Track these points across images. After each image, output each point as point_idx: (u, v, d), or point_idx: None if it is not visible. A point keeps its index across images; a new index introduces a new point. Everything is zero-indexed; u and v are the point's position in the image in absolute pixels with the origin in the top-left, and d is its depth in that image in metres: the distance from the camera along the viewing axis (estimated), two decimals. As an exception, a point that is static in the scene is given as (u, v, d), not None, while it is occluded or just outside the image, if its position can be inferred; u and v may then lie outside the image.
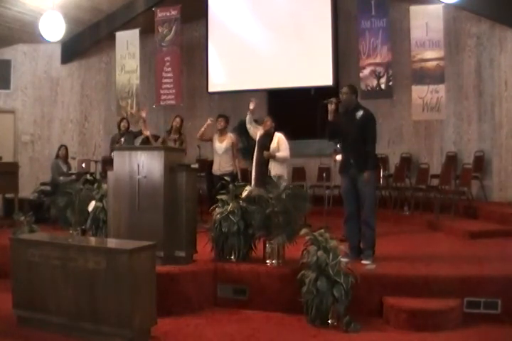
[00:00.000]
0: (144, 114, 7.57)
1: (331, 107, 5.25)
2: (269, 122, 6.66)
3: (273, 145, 6.51)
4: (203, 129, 7.47)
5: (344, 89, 5.27)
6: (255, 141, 6.85)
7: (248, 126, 6.90)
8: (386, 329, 4.20)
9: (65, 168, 8.63)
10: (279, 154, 6.46)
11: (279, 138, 6.55)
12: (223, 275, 4.90)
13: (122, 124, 8.11)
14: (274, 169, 6.34)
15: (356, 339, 4.00)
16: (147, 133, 7.59)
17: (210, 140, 7.58)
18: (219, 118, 7.58)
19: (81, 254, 3.99)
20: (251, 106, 6.79)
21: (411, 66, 8.79)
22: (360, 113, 5.16)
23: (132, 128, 8.34)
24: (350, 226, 5.19)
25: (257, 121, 7.18)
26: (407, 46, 8.92)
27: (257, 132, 6.78)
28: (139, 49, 10.04)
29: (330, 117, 5.26)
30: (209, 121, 7.43)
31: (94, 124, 10.81)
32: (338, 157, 6.47)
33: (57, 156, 8.69)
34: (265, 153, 6.47)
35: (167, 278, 4.55)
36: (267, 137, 6.59)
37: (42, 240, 4.41)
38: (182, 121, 7.80)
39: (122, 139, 7.96)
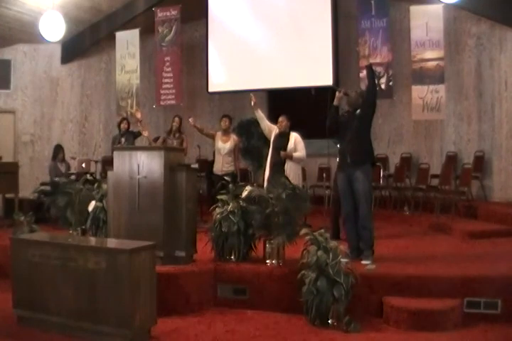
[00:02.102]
0: (138, 115, 7.61)
1: (338, 95, 5.30)
2: (284, 122, 6.59)
3: (290, 145, 6.46)
4: (198, 129, 7.53)
5: (355, 90, 5.41)
6: (255, 142, 6.83)
7: (263, 125, 6.80)
8: (386, 329, 4.20)
9: (63, 168, 8.64)
10: (296, 154, 6.43)
11: (295, 138, 6.51)
12: (223, 275, 4.90)
13: (122, 125, 8.17)
14: (291, 169, 6.33)
15: (356, 339, 4.00)
16: (146, 134, 7.62)
17: (213, 138, 7.58)
18: (223, 118, 7.59)
19: (81, 254, 4.00)
20: (252, 102, 6.68)
21: (411, 66, 8.78)
22: (358, 110, 5.23)
23: (133, 129, 8.36)
24: (349, 227, 5.19)
25: None
26: (407, 46, 8.92)
27: (272, 131, 6.70)
28: (139, 49, 10.04)
29: (335, 102, 5.30)
30: (191, 122, 7.43)
31: (94, 124, 10.81)
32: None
33: (55, 157, 8.69)
34: (282, 153, 6.42)
35: (167, 278, 4.55)
36: (283, 137, 6.54)
37: (42, 240, 4.41)
38: (181, 120, 7.81)
39: (123, 139, 7.99)
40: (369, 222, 5.10)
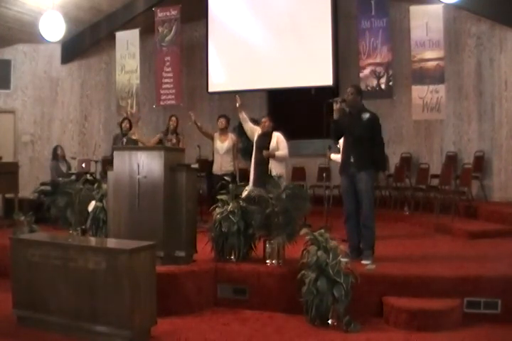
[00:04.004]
0: (135, 137, 7.65)
1: (336, 106, 5.22)
2: (267, 123, 6.63)
3: (272, 144, 6.50)
4: (197, 126, 7.55)
5: (350, 90, 5.23)
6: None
7: (246, 127, 6.82)
8: (386, 329, 4.20)
9: (64, 168, 8.64)
10: (278, 153, 6.46)
11: (277, 137, 6.54)
12: (223, 275, 4.90)
13: (124, 124, 8.10)
14: (275, 168, 6.34)
15: (356, 339, 4.00)
16: (135, 136, 7.70)
17: (212, 138, 7.59)
18: (220, 118, 7.60)
19: (81, 254, 4.00)
20: (238, 103, 6.67)
21: (411, 66, 8.78)
22: (366, 115, 5.13)
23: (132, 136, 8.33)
24: (350, 226, 5.19)
25: (257, 121, 7.16)
26: (407, 46, 8.92)
27: (254, 132, 6.74)
28: (139, 49, 10.04)
29: (335, 116, 5.24)
30: (193, 117, 7.43)
31: (94, 124, 10.81)
32: (333, 156, 6.47)
33: (55, 157, 8.69)
34: (265, 152, 6.45)
35: (167, 278, 4.55)
36: (266, 137, 6.58)
37: (42, 240, 4.41)
38: (178, 120, 7.81)
39: (124, 139, 7.97)
40: (371, 221, 5.10)
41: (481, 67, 8.82)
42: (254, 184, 6.22)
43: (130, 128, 8.12)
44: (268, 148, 6.47)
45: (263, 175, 5.93)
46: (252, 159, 6.71)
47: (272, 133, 6.58)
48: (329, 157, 6.60)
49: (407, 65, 8.92)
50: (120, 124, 8.22)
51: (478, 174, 8.39)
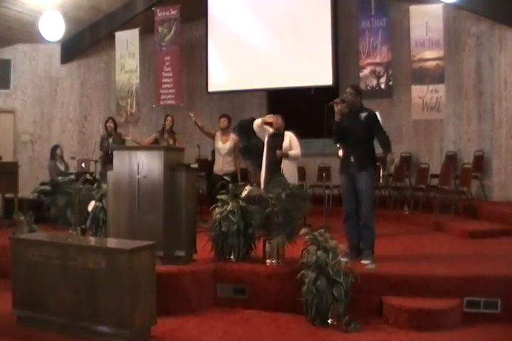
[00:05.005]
0: (129, 137, 7.69)
1: (337, 108, 5.17)
2: (279, 120, 6.60)
3: (285, 144, 6.48)
4: (198, 126, 7.54)
5: (349, 90, 5.20)
6: (255, 141, 6.81)
7: (257, 130, 6.74)
8: (386, 329, 4.19)
9: (62, 167, 8.64)
10: (291, 152, 6.45)
11: (290, 137, 6.53)
12: (223, 275, 4.89)
13: (108, 124, 8.10)
14: (287, 168, 6.33)
15: (356, 339, 4.00)
16: (128, 137, 7.73)
17: (213, 137, 7.58)
18: (222, 117, 7.59)
19: (81, 254, 3.99)
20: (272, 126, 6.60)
21: (411, 66, 8.79)
22: (364, 114, 5.12)
23: (121, 132, 8.32)
24: (350, 226, 5.18)
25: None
26: (406, 46, 8.93)
27: (265, 134, 6.67)
28: (139, 49, 10.04)
29: (337, 118, 5.19)
30: (193, 118, 7.44)
31: (94, 124, 10.81)
32: (341, 152, 6.42)
33: (54, 157, 8.69)
34: (278, 152, 6.43)
35: (167, 278, 4.54)
36: (278, 136, 6.56)
37: (42, 240, 4.41)
38: (173, 120, 7.82)
39: (110, 140, 7.95)
40: (371, 221, 5.10)
41: (480, 66, 8.82)
42: (266, 184, 6.19)
43: (115, 128, 8.11)
44: (281, 148, 6.46)
45: (276, 175, 5.89)
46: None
47: (283, 132, 6.57)
48: (338, 154, 6.55)
49: (407, 64, 8.92)
50: (105, 124, 8.21)
51: (478, 174, 8.39)
